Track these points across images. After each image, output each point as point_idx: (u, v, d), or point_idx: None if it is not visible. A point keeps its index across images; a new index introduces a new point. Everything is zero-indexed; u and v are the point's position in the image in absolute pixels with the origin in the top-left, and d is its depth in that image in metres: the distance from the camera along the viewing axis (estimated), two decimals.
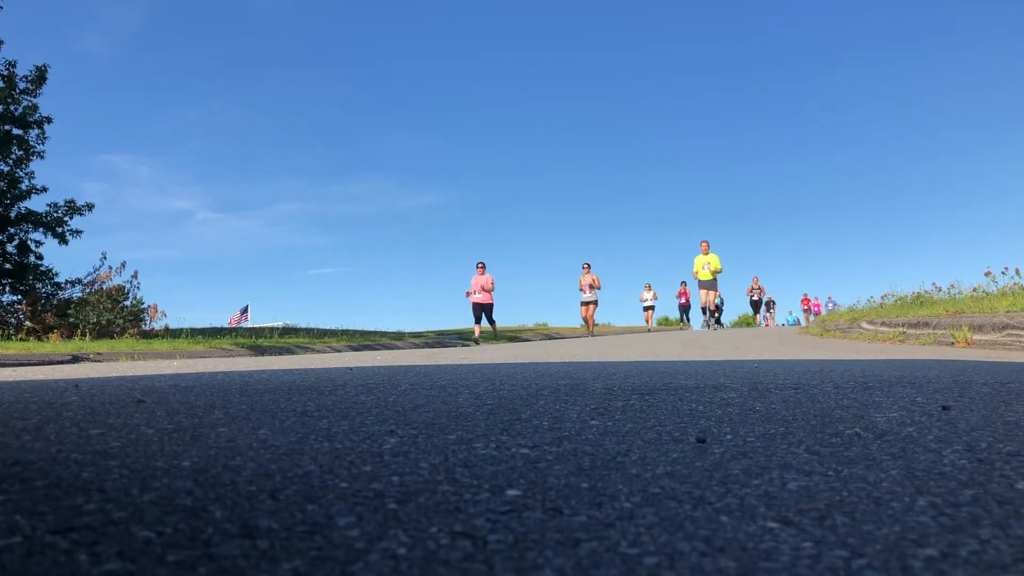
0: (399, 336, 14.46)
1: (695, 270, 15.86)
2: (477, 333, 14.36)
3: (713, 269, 15.63)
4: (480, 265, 14.59)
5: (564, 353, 5.62)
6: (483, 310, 14.30)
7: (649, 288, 22.61)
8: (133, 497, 0.93)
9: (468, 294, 14.33)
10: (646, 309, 22.20)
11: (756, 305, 26.45)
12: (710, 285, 15.86)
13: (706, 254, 15.71)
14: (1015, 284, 8.84)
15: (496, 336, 14.74)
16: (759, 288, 26.38)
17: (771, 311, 29.41)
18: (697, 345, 6.85)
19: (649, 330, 21.00)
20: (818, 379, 2.54)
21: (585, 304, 16.58)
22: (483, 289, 14.30)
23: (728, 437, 1.35)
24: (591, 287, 16.45)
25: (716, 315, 23.16)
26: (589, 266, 16.62)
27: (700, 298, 16.36)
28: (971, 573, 0.63)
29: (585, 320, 16.76)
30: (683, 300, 23.91)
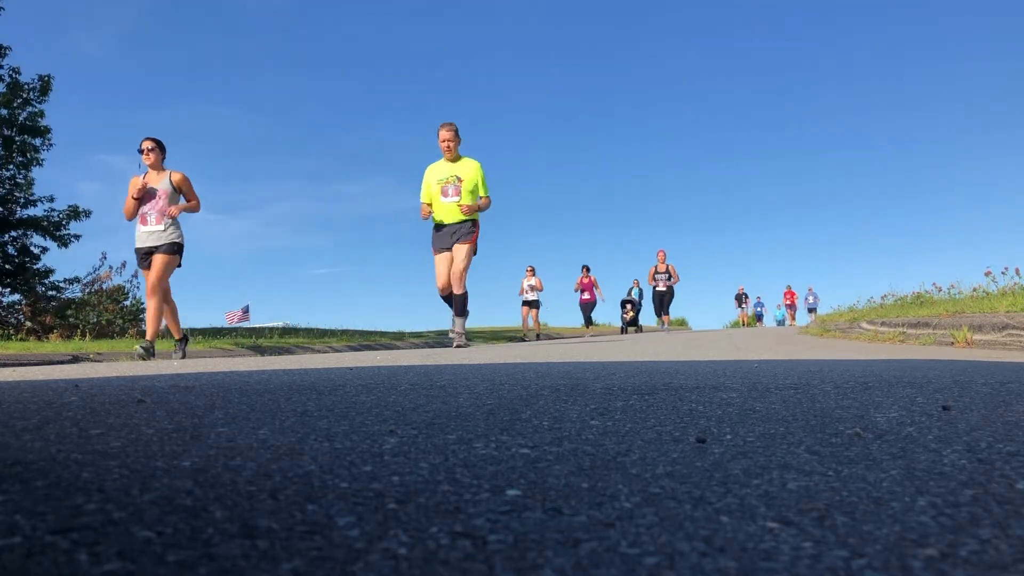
0: (399, 336, 14.45)
1: (427, 197, 7.31)
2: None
3: (465, 199, 7.08)
4: None
5: (564, 353, 5.61)
6: None
7: (532, 274, 15.29)
8: (133, 497, 0.93)
9: None
10: (526, 304, 15.28)
11: (661, 300, 16.27)
12: (461, 233, 7.20)
13: (452, 159, 7.22)
14: (1015, 284, 8.85)
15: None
16: (667, 271, 16.07)
17: (743, 306, 27.47)
18: (697, 345, 6.85)
19: (524, 336, 14.60)
20: (818, 379, 2.54)
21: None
22: None
23: (728, 437, 1.35)
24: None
25: (631, 313, 16.16)
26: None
27: (438, 268, 7.44)
28: (971, 573, 0.63)
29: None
30: (586, 295, 17.02)
